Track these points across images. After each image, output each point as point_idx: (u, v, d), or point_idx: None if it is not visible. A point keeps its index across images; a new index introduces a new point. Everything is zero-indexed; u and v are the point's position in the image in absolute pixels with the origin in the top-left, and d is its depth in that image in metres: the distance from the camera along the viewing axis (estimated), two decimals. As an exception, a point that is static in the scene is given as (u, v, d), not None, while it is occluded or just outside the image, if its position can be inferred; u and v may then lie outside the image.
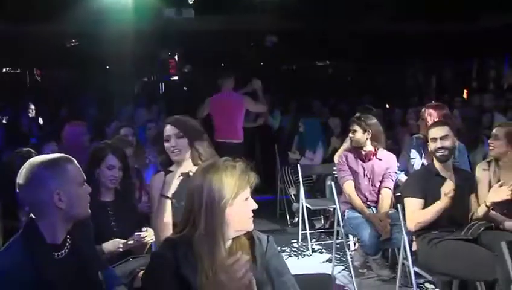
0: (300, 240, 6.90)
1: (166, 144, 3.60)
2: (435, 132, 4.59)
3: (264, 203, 8.29)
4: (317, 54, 15.40)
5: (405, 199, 4.59)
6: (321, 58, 16.40)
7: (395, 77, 16.11)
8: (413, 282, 4.59)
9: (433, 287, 5.38)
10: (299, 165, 6.95)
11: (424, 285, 5.44)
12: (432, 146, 4.59)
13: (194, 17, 11.53)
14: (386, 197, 5.47)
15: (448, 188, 4.30)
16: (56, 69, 15.33)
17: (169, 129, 3.61)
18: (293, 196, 7.48)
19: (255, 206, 2.55)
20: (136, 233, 3.85)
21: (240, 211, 2.50)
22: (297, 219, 6.97)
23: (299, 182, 6.83)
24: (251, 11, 11.69)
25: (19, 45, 12.75)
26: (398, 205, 4.80)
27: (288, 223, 7.63)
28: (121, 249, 3.82)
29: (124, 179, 4.16)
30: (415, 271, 4.58)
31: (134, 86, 14.18)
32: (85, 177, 2.67)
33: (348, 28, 12.05)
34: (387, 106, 11.55)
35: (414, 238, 4.64)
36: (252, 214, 2.55)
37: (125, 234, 3.97)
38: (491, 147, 4.71)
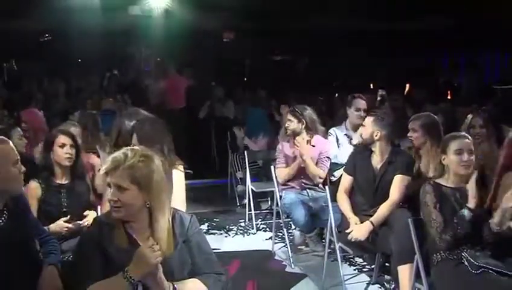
0: (247, 219, 6.99)
1: None
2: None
3: (217, 186, 8.50)
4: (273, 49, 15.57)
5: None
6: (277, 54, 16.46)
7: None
8: (338, 256, 4.70)
9: (362, 260, 5.53)
10: (245, 152, 7.04)
11: (354, 259, 5.58)
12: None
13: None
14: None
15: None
16: (30, 62, 15.15)
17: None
18: (239, 180, 7.59)
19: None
20: (78, 222, 3.97)
21: None
22: (245, 200, 7.04)
23: (246, 166, 6.92)
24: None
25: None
26: (326, 187, 4.93)
27: (238, 204, 7.72)
28: (65, 231, 3.90)
29: (76, 159, 4.20)
30: (340, 246, 4.72)
31: (103, 78, 14.06)
32: (18, 157, 2.75)
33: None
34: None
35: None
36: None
37: (75, 215, 4.05)
38: (411, 139, 4.82)
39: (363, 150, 4.72)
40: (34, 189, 3.98)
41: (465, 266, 3.35)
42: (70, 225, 3.94)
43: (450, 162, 3.65)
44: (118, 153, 2.55)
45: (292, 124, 5.62)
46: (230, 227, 6.82)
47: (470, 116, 5.09)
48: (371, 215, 4.44)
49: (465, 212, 3.42)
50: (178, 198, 3.62)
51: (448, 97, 11.32)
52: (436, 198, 3.58)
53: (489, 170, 4.28)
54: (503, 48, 13.70)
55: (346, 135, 5.93)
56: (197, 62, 14.91)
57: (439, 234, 3.49)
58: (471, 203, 3.44)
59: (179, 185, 3.76)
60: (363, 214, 4.54)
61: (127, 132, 3.91)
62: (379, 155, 4.62)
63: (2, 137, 2.78)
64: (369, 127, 4.61)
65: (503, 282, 3.19)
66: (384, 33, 13.84)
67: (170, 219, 2.67)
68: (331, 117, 7.81)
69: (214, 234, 6.47)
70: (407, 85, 12.80)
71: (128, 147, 2.64)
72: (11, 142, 2.77)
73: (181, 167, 3.86)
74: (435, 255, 3.53)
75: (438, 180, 3.70)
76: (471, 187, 3.48)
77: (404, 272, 3.95)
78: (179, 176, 3.80)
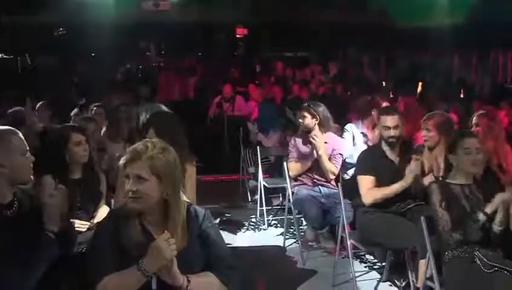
0: (258, 215, 7.00)
1: None
2: (389, 121, 4.62)
3: (229, 181, 8.52)
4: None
5: (358, 177, 4.66)
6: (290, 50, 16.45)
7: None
8: (350, 253, 4.73)
9: (372, 258, 5.53)
10: (258, 147, 7.06)
11: (364, 256, 5.59)
12: (384, 133, 4.65)
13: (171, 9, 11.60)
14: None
15: (413, 170, 4.37)
16: (45, 56, 15.27)
17: None
18: (251, 175, 7.61)
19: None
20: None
21: None
22: (257, 196, 7.06)
23: (258, 162, 6.94)
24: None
25: (12, 34, 12.78)
26: (339, 184, 4.93)
27: (249, 199, 7.73)
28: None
29: (89, 154, 4.22)
30: (352, 243, 4.72)
31: (116, 73, 14.14)
32: (27, 147, 2.79)
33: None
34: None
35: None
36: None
37: (88, 208, 4.08)
38: (425, 139, 4.81)
39: (376, 153, 4.72)
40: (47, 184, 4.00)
41: (478, 265, 3.35)
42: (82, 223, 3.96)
43: (459, 162, 3.64)
44: (138, 145, 2.57)
45: (306, 120, 5.67)
46: (242, 222, 6.84)
47: (474, 115, 5.10)
48: (403, 210, 4.47)
49: (480, 217, 3.43)
50: (189, 192, 3.65)
51: (461, 96, 11.28)
52: (442, 196, 3.57)
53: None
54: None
55: (362, 133, 5.93)
56: (209, 58, 15.01)
57: (446, 232, 3.49)
58: (489, 208, 3.43)
59: (191, 180, 3.80)
60: (393, 211, 4.52)
61: (143, 125, 3.94)
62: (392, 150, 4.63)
63: (11, 128, 2.84)
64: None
65: (515, 280, 3.19)
66: (397, 30, 13.80)
67: (185, 213, 2.68)
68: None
69: (225, 229, 6.49)
70: (420, 83, 12.77)
71: (147, 139, 2.67)
72: (19, 133, 2.82)
73: (193, 162, 3.89)
74: (446, 252, 3.53)
75: (447, 179, 3.70)
76: (499, 195, 3.44)
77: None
78: (191, 170, 3.83)
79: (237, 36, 14.26)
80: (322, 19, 13.00)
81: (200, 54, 16.02)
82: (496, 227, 3.45)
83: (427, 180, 4.40)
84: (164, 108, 4.21)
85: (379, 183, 4.53)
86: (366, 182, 4.57)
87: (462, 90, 11.95)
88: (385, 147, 4.71)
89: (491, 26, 11.19)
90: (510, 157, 4.82)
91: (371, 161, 4.66)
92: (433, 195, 3.62)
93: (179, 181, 2.63)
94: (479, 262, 3.36)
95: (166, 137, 3.14)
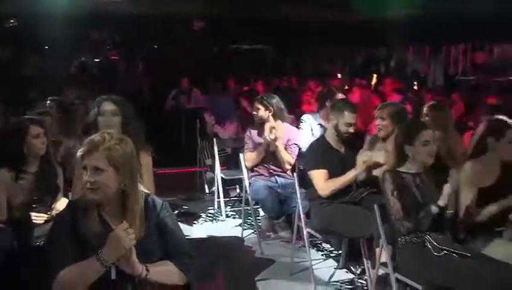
0: (216, 207, 7.04)
1: None
2: (352, 118, 4.74)
3: (186, 174, 8.52)
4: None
5: (310, 172, 4.73)
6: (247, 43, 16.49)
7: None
8: (306, 242, 4.80)
9: (329, 246, 5.65)
10: (214, 139, 7.10)
11: (321, 245, 5.70)
12: (343, 128, 4.74)
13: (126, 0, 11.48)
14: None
15: (365, 157, 4.50)
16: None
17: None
18: (208, 167, 7.65)
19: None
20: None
21: None
22: (214, 188, 7.10)
23: (215, 154, 6.98)
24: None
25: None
26: (295, 174, 5.01)
27: (207, 191, 7.77)
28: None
29: (47, 147, 4.20)
30: (309, 232, 4.81)
31: (71, 66, 13.95)
32: None
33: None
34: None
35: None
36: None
37: (45, 201, 4.07)
38: (379, 128, 4.91)
39: (322, 146, 4.82)
40: (2, 177, 3.98)
41: (429, 249, 3.47)
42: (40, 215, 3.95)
43: (416, 153, 3.72)
44: (95, 136, 2.59)
45: (260, 111, 5.78)
46: (200, 214, 6.87)
47: (425, 106, 5.25)
48: (357, 199, 4.59)
49: (433, 209, 3.54)
50: (147, 182, 3.68)
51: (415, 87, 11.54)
52: (394, 185, 3.66)
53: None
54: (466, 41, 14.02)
55: (320, 124, 6.04)
56: (165, 50, 14.91)
57: (398, 220, 3.60)
58: (442, 201, 3.54)
59: (147, 170, 3.83)
60: (348, 201, 4.62)
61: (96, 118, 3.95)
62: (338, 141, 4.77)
63: None
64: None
65: (463, 263, 3.33)
66: (352, 24, 13.99)
67: (143, 203, 2.71)
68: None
69: (183, 221, 6.50)
70: (375, 75, 13.00)
71: (104, 131, 2.68)
72: None
73: (149, 152, 3.92)
74: (399, 238, 3.64)
75: (398, 168, 3.78)
76: (446, 186, 3.57)
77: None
78: (147, 160, 3.87)
79: (194, 29, 14.21)
80: (278, 12, 13.07)
81: (155, 46, 15.92)
82: (447, 212, 3.59)
83: (380, 170, 4.51)
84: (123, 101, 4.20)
85: (331, 175, 4.62)
86: (319, 176, 4.65)
87: (416, 82, 12.23)
88: (330, 139, 4.81)
89: (443, 21, 11.48)
90: (459, 146, 4.98)
91: (320, 154, 4.75)
92: (386, 184, 3.71)
93: (136, 172, 2.66)
94: (430, 246, 3.47)
95: (131, 126, 3.17)
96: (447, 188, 3.54)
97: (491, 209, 3.69)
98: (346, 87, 10.08)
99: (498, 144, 3.87)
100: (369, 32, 13.71)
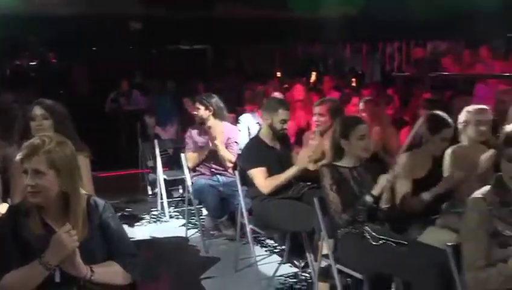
0: (159, 208, 7.04)
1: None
2: (286, 115, 4.85)
3: (128, 176, 8.45)
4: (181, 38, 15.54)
5: (249, 171, 4.75)
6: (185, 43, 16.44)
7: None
8: (250, 239, 4.89)
9: (273, 242, 5.74)
10: (155, 141, 7.10)
11: (265, 241, 5.79)
12: (278, 126, 4.84)
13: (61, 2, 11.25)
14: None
15: (309, 153, 4.60)
16: None
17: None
18: (150, 169, 7.64)
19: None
20: None
21: None
22: (157, 189, 7.11)
23: (156, 155, 6.99)
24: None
25: None
26: (236, 172, 5.07)
27: (149, 193, 7.76)
28: None
29: None
30: (252, 229, 4.89)
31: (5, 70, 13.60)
32: None
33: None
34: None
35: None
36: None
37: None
38: (317, 124, 5.04)
39: (258, 144, 4.90)
40: None
41: (367, 239, 3.60)
42: None
43: (352, 147, 3.83)
44: (34, 140, 2.58)
45: (200, 111, 5.83)
46: (143, 216, 6.87)
47: (361, 102, 5.41)
48: (299, 194, 4.67)
49: (368, 199, 3.67)
50: (86, 184, 3.68)
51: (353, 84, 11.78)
52: (332, 180, 3.76)
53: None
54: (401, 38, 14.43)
55: (258, 123, 6.14)
56: (103, 51, 14.71)
57: (337, 213, 3.71)
58: (376, 191, 3.67)
59: (86, 172, 3.83)
60: (289, 196, 4.70)
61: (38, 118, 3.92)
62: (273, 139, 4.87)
63: None
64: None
65: (400, 251, 3.47)
66: (291, 22, 14.14)
67: (85, 204, 2.72)
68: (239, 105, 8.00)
69: (127, 223, 6.45)
70: (314, 73, 13.20)
71: (44, 134, 2.68)
72: None
73: (86, 153, 3.92)
74: (339, 231, 3.75)
75: (335, 162, 3.89)
76: (382, 177, 3.69)
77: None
78: (85, 162, 3.86)
79: (131, 30, 14.07)
80: (217, 11, 13.09)
81: (93, 48, 15.70)
82: (383, 205, 3.74)
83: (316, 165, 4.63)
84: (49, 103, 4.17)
85: (269, 172, 4.69)
86: (259, 174, 4.69)
87: (354, 79, 12.49)
88: (265, 137, 4.89)
89: (379, 18, 11.77)
90: (394, 140, 5.16)
91: (257, 152, 4.82)
92: (325, 178, 3.81)
93: (77, 174, 2.67)
94: (368, 236, 3.60)
95: (64, 129, 3.16)
96: (382, 179, 3.68)
97: (424, 197, 3.87)
98: (286, 86, 10.21)
99: (432, 139, 4.05)
100: (307, 30, 13.89)
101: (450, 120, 4.15)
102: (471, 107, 4.36)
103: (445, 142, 4.11)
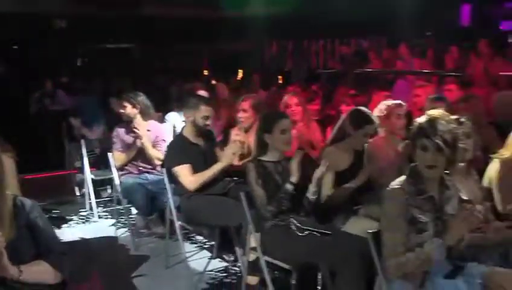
0: (88, 208, 6.98)
1: None
2: (208, 111, 4.91)
3: (55, 177, 8.31)
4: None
5: (174, 169, 4.76)
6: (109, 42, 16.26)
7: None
8: (179, 235, 4.92)
9: (202, 238, 5.82)
10: (82, 141, 7.04)
11: (194, 237, 5.86)
12: (200, 122, 4.90)
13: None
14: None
15: (234, 148, 4.69)
16: None
17: None
18: (77, 169, 7.55)
19: None
20: None
21: None
22: (85, 190, 7.04)
23: (83, 156, 6.92)
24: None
25: None
26: (164, 169, 5.10)
27: (77, 194, 7.67)
28: None
29: None
30: (181, 225, 4.93)
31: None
32: None
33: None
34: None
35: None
36: None
37: None
38: (242, 120, 5.16)
39: (182, 142, 4.95)
40: None
41: (293, 230, 3.74)
42: None
43: (275, 141, 3.94)
44: None
45: (127, 109, 5.86)
46: (71, 217, 6.79)
47: (286, 96, 5.57)
48: (225, 190, 4.77)
49: (288, 187, 3.81)
50: (11, 184, 3.64)
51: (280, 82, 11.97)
52: (258, 174, 3.88)
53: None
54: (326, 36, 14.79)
55: (184, 121, 6.16)
56: (26, 50, 14.35)
57: (263, 206, 3.83)
58: (294, 178, 3.82)
59: (11, 172, 3.78)
60: (216, 192, 4.77)
61: None
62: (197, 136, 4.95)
63: None
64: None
65: (324, 240, 3.63)
66: (217, 21, 14.22)
67: (11, 205, 2.72)
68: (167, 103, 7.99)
69: (55, 225, 6.37)
70: (240, 71, 13.33)
71: None
72: None
73: (10, 154, 3.87)
74: (265, 223, 3.87)
75: (260, 157, 4.00)
76: (294, 164, 3.85)
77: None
78: (9, 162, 3.82)
79: (56, 28, 13.79)
80: (143, 10, 13.03)
81: (15, 47, 15.31)
82: (310, 196, 3.88)
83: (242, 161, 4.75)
84: None
85: (194, 169, 4.74)
86: (184, 172, 4.72)
87: (280, 76, 12.68)
88: (188, 135, 4.95)
89: (304, 17, 12.04)
90: (318, 135, 5.34)
91: (181, 150, 4.85)
92: (250, 173, 3.92)
93: (1, 174, 2.66)
94: (294, 228, 3.75)
95: None
96: (293, 164, 3.82)
97: (345, 187, 4.06)
98: (214, 82, 10.28)
99: (355, 134, 4.24)
100: (234, 29, 14.02)
101: (372, 116, 4.34)
102: (391, 102, 4.59)
103: (367, 138, 4.31)
